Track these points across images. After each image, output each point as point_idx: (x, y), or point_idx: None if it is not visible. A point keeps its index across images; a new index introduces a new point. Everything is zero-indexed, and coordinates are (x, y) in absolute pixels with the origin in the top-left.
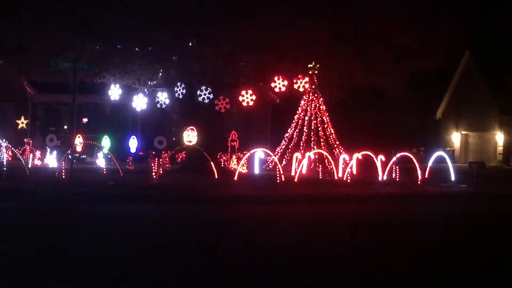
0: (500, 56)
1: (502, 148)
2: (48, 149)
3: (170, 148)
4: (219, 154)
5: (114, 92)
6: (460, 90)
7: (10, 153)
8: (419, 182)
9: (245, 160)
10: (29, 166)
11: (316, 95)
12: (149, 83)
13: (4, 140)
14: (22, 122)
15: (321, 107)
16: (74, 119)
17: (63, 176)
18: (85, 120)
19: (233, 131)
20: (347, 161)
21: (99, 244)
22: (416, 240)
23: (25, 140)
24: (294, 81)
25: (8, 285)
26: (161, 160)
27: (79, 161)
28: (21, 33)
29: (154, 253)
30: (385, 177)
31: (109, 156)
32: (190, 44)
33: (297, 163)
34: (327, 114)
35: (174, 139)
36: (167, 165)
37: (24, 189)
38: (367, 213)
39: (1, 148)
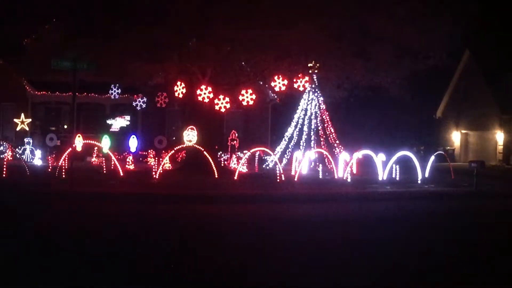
0: (500, 56)
1: (502, 147)
2: (48, 149)
3: (170, 148)
4: (219, 154)
5: (114, 91)
6: (460, 89)
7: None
8: (419, 182)
9: (245, 160)
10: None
11: (316, 94)
12: (148, 82)
13: (4, 143)
14: (22, 122)
15: (321, 106)
16: (74, 118)
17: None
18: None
19: (233, 131)
20: (347, 161)
21: None
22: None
23: (25, 140)
24: (294, 80)
25: None
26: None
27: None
28: (21, 33)
29: None
30: (385, 177)
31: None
32: (190, 43)
33: (297, 162)
34: (327, 113)
35: (174, 138)
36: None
37: None
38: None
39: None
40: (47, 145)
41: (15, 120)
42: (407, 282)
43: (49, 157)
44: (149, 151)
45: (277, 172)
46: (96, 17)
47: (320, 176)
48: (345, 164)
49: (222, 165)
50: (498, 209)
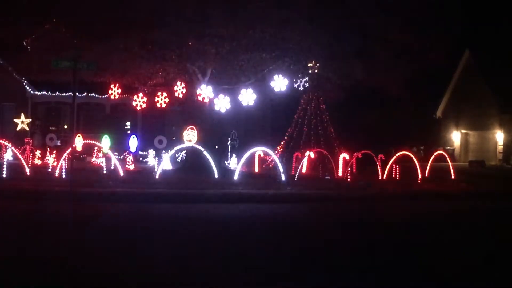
0: (500, 55)
1: (502, 147)
2: (48, 149)
3: (170, 148)
4: (219, 153)
5: (114, 91)
6: (460, 89)
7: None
8: (419, 181)
9: (245, 159)
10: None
11: (315, 94)
12: (148, 82)
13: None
14: (22, 122)
15: (321, 106)
16: (74, 118)
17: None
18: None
19: (233, 130)
20: (347, 160)
21: None
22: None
23: (25, 139)
24: (294, 80)
25: None
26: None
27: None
28: (21, 33)
29: None
30: (384, 176)
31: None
32: (190, 43)
33: (297, 162)
34: (326, 113)
35: (174, 138)
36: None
37: None
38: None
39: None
40: (47, 145)
41: (15, 120)
42: None
43: (49, 157)
44: (149, 151)
45: (277, 172)
46: (96, 17)
47: (320, 176)
48: (345, 164)
49: (222, 165)
50: (497, 209)
